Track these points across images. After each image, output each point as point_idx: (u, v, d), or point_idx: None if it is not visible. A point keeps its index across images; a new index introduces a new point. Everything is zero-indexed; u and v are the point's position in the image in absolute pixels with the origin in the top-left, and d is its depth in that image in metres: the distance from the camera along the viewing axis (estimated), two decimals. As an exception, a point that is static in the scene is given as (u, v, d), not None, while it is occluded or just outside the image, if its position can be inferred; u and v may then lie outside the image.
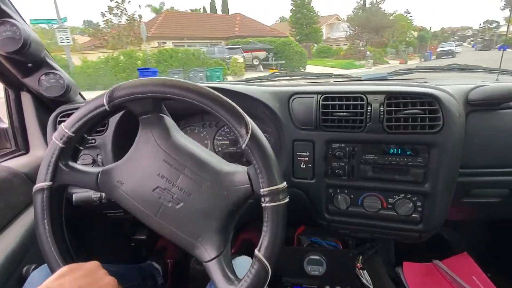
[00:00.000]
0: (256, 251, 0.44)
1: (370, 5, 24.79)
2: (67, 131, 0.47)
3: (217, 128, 0.95)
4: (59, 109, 0.81)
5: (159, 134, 0.49)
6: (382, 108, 0.69)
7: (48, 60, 0.77)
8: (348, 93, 0.72)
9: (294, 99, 0.77)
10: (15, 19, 0.65)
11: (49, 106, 0.86)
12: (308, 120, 0.75)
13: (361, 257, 1.06)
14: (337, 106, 0.72)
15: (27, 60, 0.71)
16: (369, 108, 0.70)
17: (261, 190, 0.44)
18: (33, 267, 0.78)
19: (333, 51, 21.69)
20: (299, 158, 0.78)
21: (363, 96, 0.70)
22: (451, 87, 0.72)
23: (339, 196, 0.78)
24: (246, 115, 0.46)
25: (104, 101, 0.46)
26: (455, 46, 30.54)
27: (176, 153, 0.48)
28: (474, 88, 0.71)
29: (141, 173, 0.48)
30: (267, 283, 0.44)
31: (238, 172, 0.47)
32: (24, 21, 0.69)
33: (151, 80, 0.46)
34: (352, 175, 0.76)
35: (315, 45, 22.78)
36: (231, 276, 0.44)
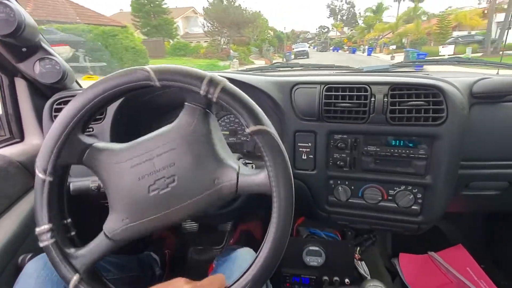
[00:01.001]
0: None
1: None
2: None
3: (217, 118, 0.93)
4: (55, 96, 0.79)
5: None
6: (386, 99, 0.68)
7: (44, 45, 0.74)
8: (352, 84, 0.71)
9: (296, 89, 0.75)
10: (10, 1, 0.62)
11: (44, 93, 0.83)
12: (310, 110, 0.74)
13: (358, 248, 1.07)
14: (340, 97, 0.71)
15: (21, 44, 0.68)
16: (372, 99, 0.69)
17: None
18: (29, 256, 0.77)
19: (192, 48, 18.25)
20: (300, 149, 0.77)
21: (367, 87, 0.69)
22: (455, 79, 0.72)
23: (339, 188, 0.77)
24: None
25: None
26: (308, 47, 33.20)
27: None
28: (478, 81, 0.70)
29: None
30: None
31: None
32: (19, 3, 0.66)
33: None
34: (354, 166, 0.75)
35: (171, 40, 19.60)
36: None
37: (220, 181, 0.45)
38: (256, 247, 0.47)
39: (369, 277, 0.95)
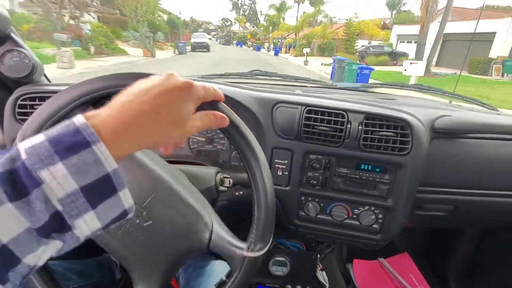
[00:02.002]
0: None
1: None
2: None
3: None
4: (20, 91, 0.71)
5: None
6: (360, 127, 0.72)
7: (14, 36, 0.66)
8: (331, 109, 0.74)
9: (278, 107, 0.77)
10: None
11: (6, 85, 0.75)
12: (290, 129, 0.76)
13: (319, 255, 1.13)
14: (319, 120, 0.74)
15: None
16: (348, 125, 0.73)
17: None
18: None
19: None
20: (276, 165, 0.79)
21: (344, 113, 0.73)
22: (422, 112, 0.78)
23: (310, 204, 0.81)
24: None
25: None
26: (209, 39, 31.33)
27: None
28: (440, 117, 0.78)
29: None
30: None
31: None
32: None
33: None
34: (325, 185, 0.79)
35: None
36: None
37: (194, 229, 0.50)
38: None
39: (327, 285, 1.01)
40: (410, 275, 1.32)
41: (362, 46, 21.52)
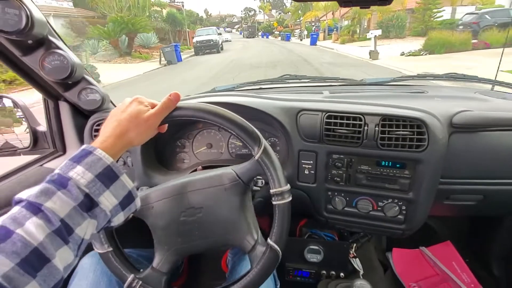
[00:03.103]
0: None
1: None
2: None
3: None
4: (94, 118, 0.92)
5: None
6: (377, 128, 0.79)
7: (86, 77, 0.87)
8: (349, 113, 0.82)
9: (301, 114, 0.87)
10: (62, 49, 0.75)
11: (84, 113, 0.97)
12: (313, 134, 0.85)
13: (355, 244, 1.21)
14: (338, 124, 0.82)
15: (70, 81, 0.81)
16: (365, 127, 0.80)
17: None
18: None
19: None
20: (303, 166, 0.89)
21: (361, 116, 0.81)
22: (439, 109, 0.82)
23: (336, 198, 0.90)
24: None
25: None
26: (223, 33, 25.10)
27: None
28: (458, 113, 0.81)
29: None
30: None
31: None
32: (70, 49, 0.78)
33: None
34: (349, 181, 0.88)
35: None
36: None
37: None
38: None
39: (362, 271, 1.09)
40: (453, 263, 1.32)
41: (467, 14, 13.75)
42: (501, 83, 1.16)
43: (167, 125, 0.63)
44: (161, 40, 20.73)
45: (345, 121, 0.82)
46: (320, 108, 0.86)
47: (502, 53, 1.38)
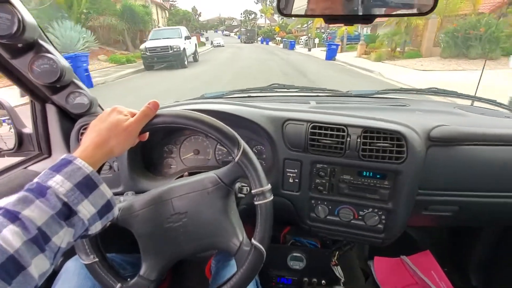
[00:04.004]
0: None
1: None
2: None
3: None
4: (81, 122, 0.92)
5: None
6: (359, 140, 0.83)
7: (75, 81, 0.87)
8: (333, 124, 0.85)
9: (287, 124, 0.89)
10: (52, 53, 0.75)
11: (71, 116, 0.97)
12: (298, 143, 0.88)
13: (337, 252, 1.24)
14: (322, 134, 0.85)
15: (59, 84, 0.81)
16: (348, 138, 0.83)
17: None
18: (59, 261, 0.92)
19: None
20: (288, 174, 0.92)
21: (344, 128, 0.84)
22: (418, 123, 0.86)
23: (319, 207, 0.92)
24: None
25: None
26: (217, 37, 22.87)
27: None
28: (436, 127, 0.85)
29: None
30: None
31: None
32: (60, 53, 0.79)
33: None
34: (331, 190, 0.90)
35: None
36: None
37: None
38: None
39: (343, 279, 1.12)
40: (432, 272, 1.36)
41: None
42: (480, 99, 1.22)
43: (148, 133, 0.64)
44: (114, 43, 16.74)
45: (329, 132, 0.85)
46: (306, 118, 0.88)
47: (483, 68, 1.45)
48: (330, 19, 0.70)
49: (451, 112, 1.12)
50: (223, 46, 26.10)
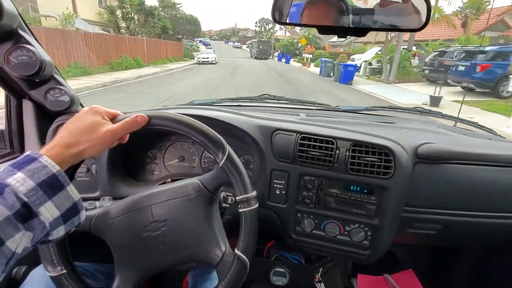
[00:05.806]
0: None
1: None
2: None
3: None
4: (60, 121, 0.87)
5: None
6: (347, 153, 0.81)
7: (56, 76, 0.83)
8: (322, 136, 0.84)
9: (276, 134, 0.88)
10: (32, 45, 0.71)
11: (48, 114, 0.91)
12: (286, 154, 0.86)
13: (321, 269, 1.20)
14: (312, 146, 0.84)
15: (38, 79, 0.77)
16: (337, 151, 0.82)
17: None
18: (24, 269, 0.84)
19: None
20: (275, 185, 0.89)
21: (333, 140, 0.83)
22: (405, 140, 0.86)
23: (305, 220, 0.90)
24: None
25: None
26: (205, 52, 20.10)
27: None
28: (423, 144, 0.85)
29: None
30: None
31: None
32: (38, 42, 0.75)
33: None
34: (318, 204, 0.88)
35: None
36: None
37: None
38: None
39: (326, 297, 1.08)
40: (414, 292, 1.35)
41: None
42: (462, 121, 1.25)
43: (128, 135, 0.60)
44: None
45: (318, 144, 0.84)
46: (295, 129, 0.87)
47: (466, 90, 1.50)
48: (324, 29, 0.70)
49: (436, 131, 1.13)
50: (214, 63, 19.54)
